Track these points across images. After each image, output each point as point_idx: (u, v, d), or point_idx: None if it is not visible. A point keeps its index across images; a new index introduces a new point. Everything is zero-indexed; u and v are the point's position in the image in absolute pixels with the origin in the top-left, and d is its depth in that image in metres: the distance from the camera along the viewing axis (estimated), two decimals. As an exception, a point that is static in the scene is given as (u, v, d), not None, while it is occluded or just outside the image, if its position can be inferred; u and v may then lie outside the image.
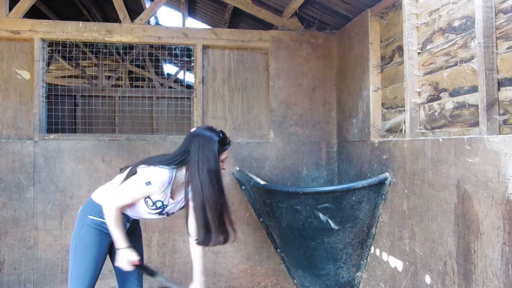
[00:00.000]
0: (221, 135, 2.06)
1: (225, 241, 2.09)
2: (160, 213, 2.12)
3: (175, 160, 2.02)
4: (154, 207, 2.06)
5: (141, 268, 2.15)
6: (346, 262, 3.02)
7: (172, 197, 2.08)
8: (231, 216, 2.11)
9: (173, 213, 2.18)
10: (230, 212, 2.10)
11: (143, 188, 1.98)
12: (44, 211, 3.33)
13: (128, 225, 2.18)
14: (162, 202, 2.05)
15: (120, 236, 2.02)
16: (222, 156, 2.07)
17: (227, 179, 3.60)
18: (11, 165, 3.31)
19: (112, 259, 2.21)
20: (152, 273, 2.18)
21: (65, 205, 3.36)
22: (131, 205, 2.10)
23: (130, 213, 2.14)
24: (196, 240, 2.08)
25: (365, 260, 3.03)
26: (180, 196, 2.15)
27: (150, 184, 1.96)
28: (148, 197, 2.03)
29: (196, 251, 2.20)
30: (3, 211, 3.29)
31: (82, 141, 3.41)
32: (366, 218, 2.84)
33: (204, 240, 2.04)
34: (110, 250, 2.20)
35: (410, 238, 2.48)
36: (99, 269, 2.13)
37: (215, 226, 2.00)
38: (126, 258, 2.03)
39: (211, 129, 2.08)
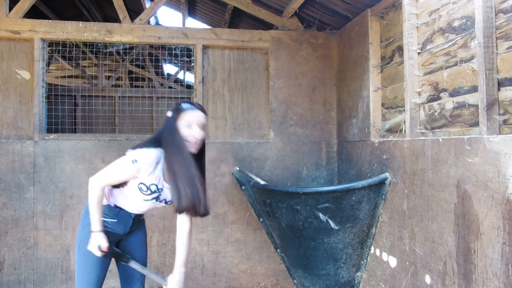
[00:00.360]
0: (182, 101, 2.03)
1: (200, 211, 1.99)
2: (157, 199, 2.04)
3: (156, 140, 2.00)
4: (148, 191, 1.98)
5: (112, 254, 2.05)
6: (346, 262, 3.02)
7: (166, 179, 2.02)
8: (203, 187, 2.01)
9: (171, 201, 2.07)
10: (200, 183, 1.98)
11: (129, 166, 1.92)
12: (44, 211, 3.33)
13: (130, 221, 2.13)
14: (157, 186, 1.99)
15: (96, 218, 1.98)
16: (183, 121, 1.96)
17: (227, 179, 3.60)
18: (11, 165, 3.31)
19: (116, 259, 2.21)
20: (125, 259, 2.10)
21: (65, 205, 3.36)
22: (127, 195, 2.05)
23: (127, 205, 2.08)
24: (175, 209, 2.00)
25: (365, 260, 3.03)
26: None
27: (136, 162, 1.91)
28: (142, 183, 1.97)
29: (180, 240, 2.13)
30: (3, 211, 3.29)
31: (82, 141, 3.41)
32: (366, 218, 2.84)
33: (179, 208, 1.96)
34: (120, 248, 2.19)
35: (410, 238, 2.48)
36: (105, 268, 2.11)
37: (186, 195, 1.92)
38: (96, 242, 1.96)
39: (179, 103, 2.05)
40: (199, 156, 2.07)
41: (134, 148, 1.99)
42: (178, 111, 1.99)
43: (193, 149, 1.99)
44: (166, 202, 2.10)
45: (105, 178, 1.98)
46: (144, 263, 2.24)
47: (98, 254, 1.97)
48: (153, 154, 1.95)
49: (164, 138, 1.97)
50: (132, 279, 2.20)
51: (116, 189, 2.09)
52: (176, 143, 1.94)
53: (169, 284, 2.07)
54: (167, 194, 2.06)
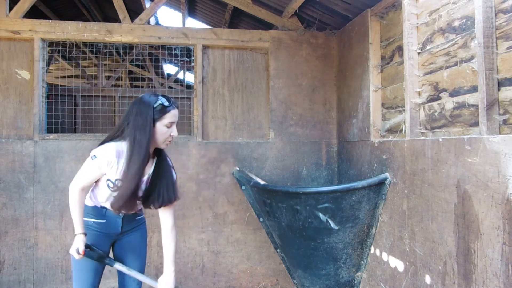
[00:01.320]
0: (160, 99, 1.94)
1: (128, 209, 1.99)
2: None
3: (117, 131, 1.98)
4: (115, 187, 1.97)
5: (91, 257, 2.03)
6: (346, 262, 3.02)
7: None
8: (165, 180, 2.01)
9: (142, 195, 2.05)
10: (163, 176, 1.99)
11: (90, 164, 1.94)
12: (44, 211, 3.33)
13: (119, 221, 2.10)
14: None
15: (76, 221, 1.98)
16: (165, 121, 1.94)
17: (227, 179, 3.60)
18: (11, 165, 3.31)
19: (118, 256, 2.20)
20: (107, 261, 2.08)
21: (65, 205, 3.36)
22: (101, 193, 2.04)
23: (107, 204, 2.06)
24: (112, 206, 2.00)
25: (365, 260, 3.03)
26: (145, 172, 2.03)
27: (96, 157, 1.92)
28: (108, 179, 1.97)
29: (165, 237, 2.11)
30: (3, 211, 3.29)
31: (82, 141, 3.41)
32: (366, 218, 2.84)
33: (114, 205, 1.96)
34: (114, 251, 2.19)
35: (410, 238, 2.48)
36: (99, 269, 2.11)
37: (126, 192, 1.91)
38: (75, 245, 1.96)
39: (153, 94, 1.99)
40: (160, 151, 2.08)
41: (98, 145, 2.01)
42: (162, 112, 1.94)
43: (165, 145, 2.01)
44: (142, 197, 2.06)
45: (78, 180, 1.99)
46: (140, 265, 2.21)
47: (77, 257, 1.96)
48: (112, 148, 1.93)
49: (131, 132, 1.92)
50: (130, 278, 2.20)
51: (96, 189, 2.09)
52: (139, 141, 1.90)
53: (159, 285, 2.05)
54: (142, 189, 2.04)
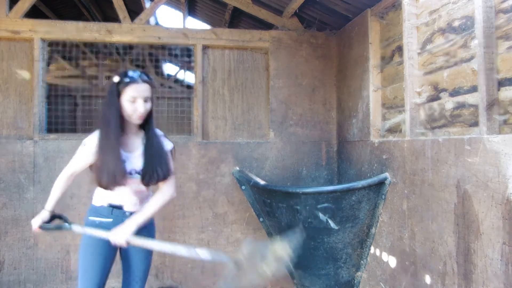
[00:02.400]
0: (122, 73, 1.93)
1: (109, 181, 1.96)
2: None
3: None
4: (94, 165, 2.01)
5: (48, 229, 2.12)
6: (346, 262, 3.02)
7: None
8: (155, 157, 2.01)
9: (138, 173, 2.02)
10: (151, 154, 1.99)
11: (80, 150, 2.04)
12: (44, 211, 3.33)
13: (126, 220, 2.06)
14: None
15: (50, 199, 2.11)
16: (126, 96, 1.91)
17: (227, 179, 3.60)
18: (11, 165, 3.31)
19: (122, 260, 2.19)
20: (63, 227, 2.13)
21: (65, 205, 3.35)
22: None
23: (114, 198, 2.07)
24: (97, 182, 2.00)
25: (365, 260, 3.03)
26: (133, 147, 2.05)
27: (85, 145, 2.01)
28: None
29: (153, 197, 2.11)
30: (3, 211, 3.29)
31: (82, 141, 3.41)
32: (366, 218, 2.84)
33: (99, 181, 1.96)
34: (121, 252, 2.18)
35: (410, 238, 2.48)
36: (104, 268, 2.08)
37: (107, 169, 1.91)
38: (36, 218, 2.08)
39: (124, 71, 1.98)
40: (146, 126, 2.06)
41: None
42: (120, 84, 1.92)
43: (138, 121, 1.99)
44: (137, 173, 2.04)
45: (69, 165, 2.10)
46: (145, 268, 2.19)
47: (34, 231, 2.08)
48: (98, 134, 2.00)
49: (102, 110, 1.99)
50: (134, 279, 2.19)
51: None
52: (106, 117, 1.94)
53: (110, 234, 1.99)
54: (134, 163, 2.02)
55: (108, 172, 1.92)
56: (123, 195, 2.09)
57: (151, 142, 2.05)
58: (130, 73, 1.94)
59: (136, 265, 2.16)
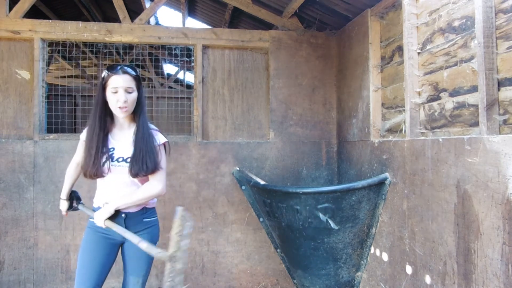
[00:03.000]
0: (108, 67, 2.04)
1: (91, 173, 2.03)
2: (112, 159, 2.04)
3: None
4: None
5: (73, 210, 2.36)
6: (346, 262, 3.02)
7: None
8: (144, 149, 2.04)
9: (126, 161, 2.05)
10: (142, 148, 2.02)
11: (79, 142, 2.17)
12: (44, 211, 3.33)
13: (122, 222, 2.07)
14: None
15: (63, 188, 2.29)
16: (109, 87, 2.00)
17: (227, 179, 3.60)
18: (11, 165, 3.31)
19: (123, 261, 2.19)
20: (74, 207, 2.35)
21: (65, 205, 3.36)
22: (105, 188, 2.10)
23: (106, 193, 2.08)
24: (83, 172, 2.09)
25: (365, 260, 3.03)
26: (123, 137, 2.11)
27: (82, 132, 2.13)
28: None
29: (135, 192, 2.09)
30: (3, 211, 3.29)
31: (82, 141, 3.41)
32: (366, 218, 2.84)
33: (85, 171, 2.04)
34: (123, 252, 2.18)
35: (410, 238, 2.48)
36: (103, 267, 2.07)
37: (90, 159, 2.00)
38: (60, 206, 2.29)
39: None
40: (136, 119, 2.10)
41: None
42: (103, 78, 2.03)
43: (121, 114, 2.03)
44: (125, 161, 2.05)
45: (74, 157, 2.27)
46: (145, 271, 2.18)
47: (64, 214, 2.32)
48: None
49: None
50: (133, 280, 2.19)
51: (98, 187, 2.15)
52: (93, 109, 2.07)
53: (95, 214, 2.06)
54: (123, 151, 2.06)
55: (90, 157, 2.01)
56: (112, 192, 2.09)
57: (141, 133, 2.07)
58: (112, 66, 2.04)
59: (137, 266, 2.15)
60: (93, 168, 2.00)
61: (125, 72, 2.01)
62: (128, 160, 2.04)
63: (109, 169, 2.03)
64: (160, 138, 2.14)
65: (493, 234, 1.81)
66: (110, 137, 2.09)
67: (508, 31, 1.92)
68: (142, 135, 2.06)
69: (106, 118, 2.08)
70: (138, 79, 2.07)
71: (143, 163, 2.01)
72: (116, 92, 1.99)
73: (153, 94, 7.16)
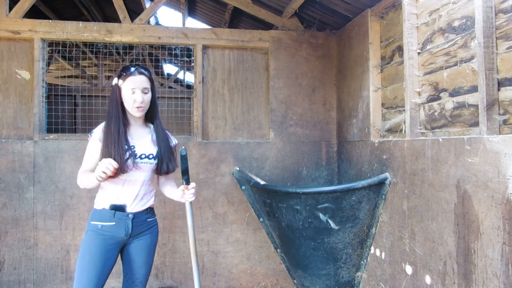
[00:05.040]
0: (124, 67, 2.09)
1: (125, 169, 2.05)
2: (135, 156, 2.07)
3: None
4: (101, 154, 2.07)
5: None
6: (346, 262, 3.02)
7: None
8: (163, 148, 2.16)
9: (154, 158, 2.14)
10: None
11: (90, 141, 2.12)
12: (44, 211, 3.33)
13: (129, 222, 2.09)
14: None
15: (90, 177, 2.01)
16: (126, 87, 2.05)
17: (227, 179, 3.60)
18: (11, 165, 3.31)
19: (123, 262, 2.19)
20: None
21: (65, 205, 3.36)
22: (115, 188, 2.10)
23: (119, 194, 2.09)
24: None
25: (365, 260, 3.03)
26: (141, 136, 2.17)
27: (93, 132, 2.10)
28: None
29: (169, 186, 2.31)
30: (3, 211, 3.29)
31: (82, 141, 3.41)
32: (366, 218, 2.84)
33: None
34: (122, 256, 2.18)
35: (410, 238, 2.48)
36: (102, 273, 2.06)
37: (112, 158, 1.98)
38: (104, 164, 1.87)
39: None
40: (152, 119, 2.20)
41: None
42: (123, 78, 2.06)
43: (138, 113, 2.09)
44: (149, 157, 2.14)
45: (83, 163, 2.13)
46: (146, 271, 2.19)
47: (109, 172, 1.89)
48: (102, 124, 2.13)
49: (107, 108, 2.13)
50: (134, 281, 2.18)
51: (105, 187, 2.12)
52: (109, 112, 2.08)
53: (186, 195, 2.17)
54: (144, 148, 2.13)
55: (115, 153, 2.00)
56: (130, 190, 2.10)
57: (160, 133, 2.19)
58: (128, 67, 2.09)
59: (138, 268, 2.16)
60: (119, 164, 1.99)
61: (141, 73, 2.08)
62: (151, 157, 2.13)
63: (133, 165, 2.07)
64: (173, 139, 2.30)
65: (493, 234, 1.81)
66: (127, 135, 2.14)
67: (508, 31, 1.92)
68: (162, 135, 2.19)
69: (123, 117, 2.11)
70: (151, 80, 2.14)
71: (169, 161, 2.16)
72: (133, 93, 2.05)
73: (153, 94, 7.13)
